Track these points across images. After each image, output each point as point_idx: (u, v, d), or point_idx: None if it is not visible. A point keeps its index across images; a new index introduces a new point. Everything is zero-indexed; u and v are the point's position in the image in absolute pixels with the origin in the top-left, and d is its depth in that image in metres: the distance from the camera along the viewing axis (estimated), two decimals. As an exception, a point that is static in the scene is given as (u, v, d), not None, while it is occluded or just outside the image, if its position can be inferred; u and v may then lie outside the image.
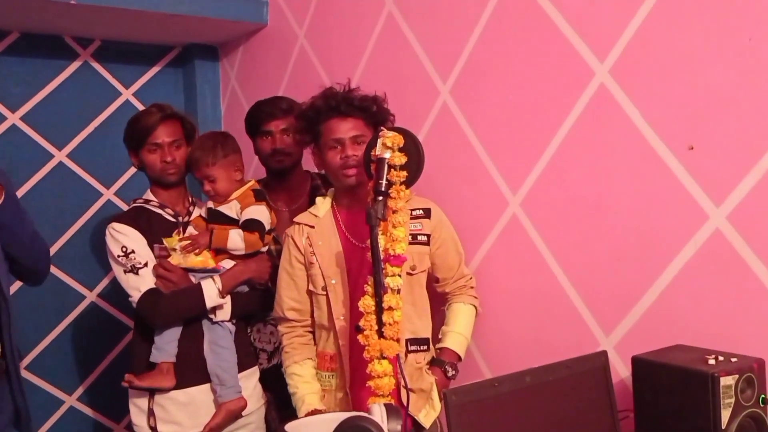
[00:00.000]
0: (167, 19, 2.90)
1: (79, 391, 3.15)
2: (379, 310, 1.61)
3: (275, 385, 2.28)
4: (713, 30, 1.48)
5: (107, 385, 3.17)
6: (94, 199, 3.19)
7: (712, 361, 1.36)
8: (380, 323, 1.62)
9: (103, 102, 3.23)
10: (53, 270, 3.06)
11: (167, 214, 2.13)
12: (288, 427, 1.38)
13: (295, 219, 1.99)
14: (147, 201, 2.15)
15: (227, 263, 2.09)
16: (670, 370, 1.39)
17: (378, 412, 1.30)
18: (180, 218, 2.16)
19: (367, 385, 1.63)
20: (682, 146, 1.54)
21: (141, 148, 2.11)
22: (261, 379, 2.27)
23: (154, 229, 2.08)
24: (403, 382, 1.65)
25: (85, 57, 3.20)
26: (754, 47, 1.41)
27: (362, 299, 1.65)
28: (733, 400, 1.33)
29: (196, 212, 2.20)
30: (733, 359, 1.37)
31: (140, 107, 3.26)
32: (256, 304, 2.18)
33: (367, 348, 1.63)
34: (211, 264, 2.07)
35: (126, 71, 3.30)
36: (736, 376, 1.33)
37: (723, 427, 1.32)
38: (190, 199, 2.24)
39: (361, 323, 1.65)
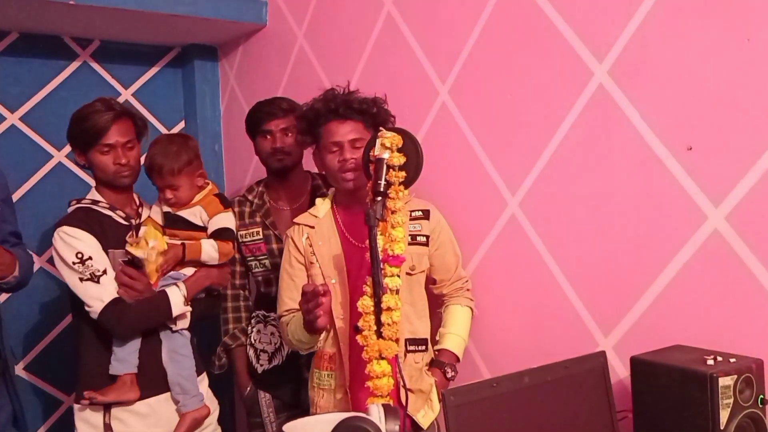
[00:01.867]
0: (166, 20, 2.90)
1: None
2: (378, 310, 1.62)
3: (275, 386, 2.28)
4: (712, 31, 1.48)
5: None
6: (93, 199, 3.19)
7: (710, 362, 1.36)
8: (379, 323, 1.62)
9: (103, 102, 3.22)
10: (53, 270, 3.06)
11: (119, 217, 2.01)
12: (286, 427, 1.37)
13: (295, 220, 1.99)
14: (95, 202, 2.00)
15: (188, 270, 2.03)
16: (668, 371, 1.39)
17: (376, 413, 1.30)
18: (132, 221, 2.04)
19: (366, 385, 1.63)
20: (680, 147, 1.54)
21: (91, 148, 1.96)
22: (260, 380, 2.26)
23: (107, 233, 1.95)
24: (401, 383, 1.65)
25: (84, 57, 3.20)
26: (753, 48, 1.41)
27: (361, 299, 1.65)
28: (731, 400, 1.33)
29: (146, 213, 2.10)
30: (732, 360, 1.37)
31: (140, 108, 3.26)
32: (211, 311, 2.16)
33: (365, 348, 1.64)
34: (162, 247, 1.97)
35: (125, 71, 3.30)
36: (735, 376, 1.33)
37: (722, 428, 1.32)
38: (138, 201, 2.13)
39: (360, 323, 1.65)
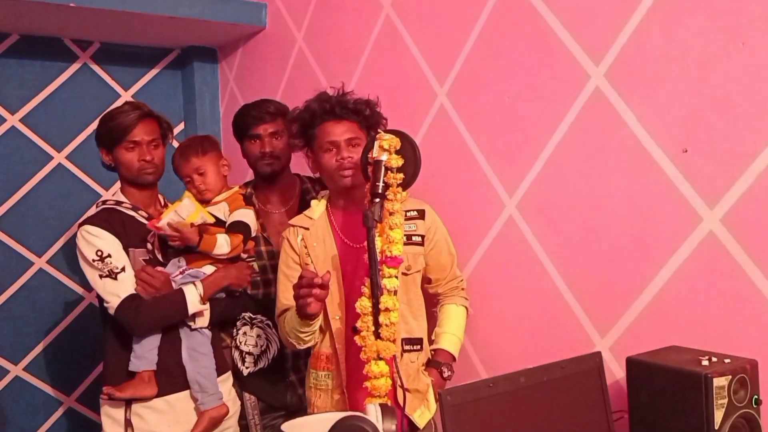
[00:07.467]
0: (166, 22, 2.91)
1: (78, 391, 3.15)
2: (376, 311, 1.63)
3: (260, 389, 2.28)
4: (707, 34, 1.49)
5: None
6: (93, 200, 3.16)
7: (705, 362, 1.37)
8: (377, 324, 1.63)
9: (103, 104, 3.23)
10: (52, 271, 3.08)
11: (141, 217, 2.05)
12: (284, 426, 1.39)
13: (290, 221, 2.00)
14: (119, 203, 2.06)
15: (208, 269, 2.05)
16: (664, 371, 1.40)
17: (373, 412, 1.31)
18: None
19: (364, 385, 1.64)
20: (676, 149, 1.56)
21: (117, 145, 2.03)
22: (246, 382, 2.25)
23: (128, 233, 2.00)
24: (399, 383, 1.66)
25: (84, 59, 3.21)
26: (748, 51, 1.42)
27: (359, 300, 1.65)
28: (726, 400, 1.34)
29: None
30: (727, 360, 1.38)
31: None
32: (232, 311, 2.17)
33: (364, 349, 1.64)
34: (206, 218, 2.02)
35: (125, 73, 3.32)
36: (730, 377, 1.34)
37: (716, 428, 1.33)
38: (162, 201, 2.18)
39: (358, 324, 1.66)
